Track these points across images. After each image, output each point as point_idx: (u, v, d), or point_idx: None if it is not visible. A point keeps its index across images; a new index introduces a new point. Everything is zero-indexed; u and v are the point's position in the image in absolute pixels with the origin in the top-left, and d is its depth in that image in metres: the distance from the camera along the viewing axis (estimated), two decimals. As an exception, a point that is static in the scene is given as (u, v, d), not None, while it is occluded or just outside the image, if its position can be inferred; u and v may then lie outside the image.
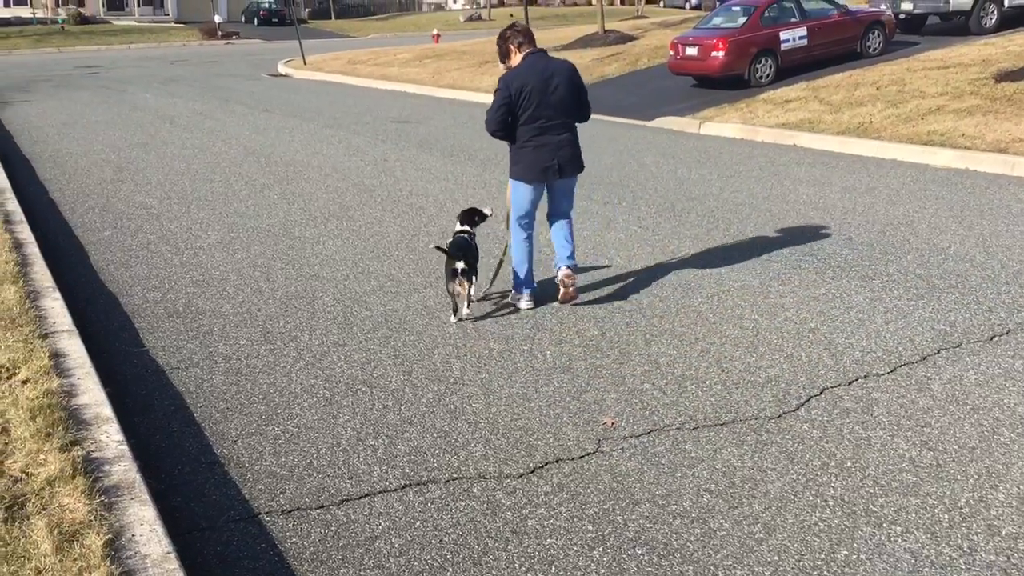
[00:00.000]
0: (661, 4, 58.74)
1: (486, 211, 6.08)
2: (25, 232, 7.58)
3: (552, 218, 6.04)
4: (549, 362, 5.07)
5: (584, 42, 24.53)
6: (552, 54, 6.15)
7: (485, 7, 60.34)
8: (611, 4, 51.79)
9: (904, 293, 6.04)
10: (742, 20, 16.37)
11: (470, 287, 5.65)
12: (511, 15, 54.73)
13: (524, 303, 5.97)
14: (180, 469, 3.97)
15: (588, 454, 4.02)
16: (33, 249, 7.04)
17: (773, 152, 11.79)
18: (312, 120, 16.06)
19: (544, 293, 6.14)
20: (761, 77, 16.11)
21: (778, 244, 7.30)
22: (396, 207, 9.01)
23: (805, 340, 5.27)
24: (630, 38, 24.34)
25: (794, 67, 16.28)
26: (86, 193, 9.95)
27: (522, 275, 5.96)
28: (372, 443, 4.17)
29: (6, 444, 3.71)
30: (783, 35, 16.14)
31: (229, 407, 4.58)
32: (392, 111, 17.36)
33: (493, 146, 12.62)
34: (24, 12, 52.12)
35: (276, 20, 53.68)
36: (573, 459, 3.98)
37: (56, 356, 4.72)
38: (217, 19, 50.07)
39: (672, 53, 17.17)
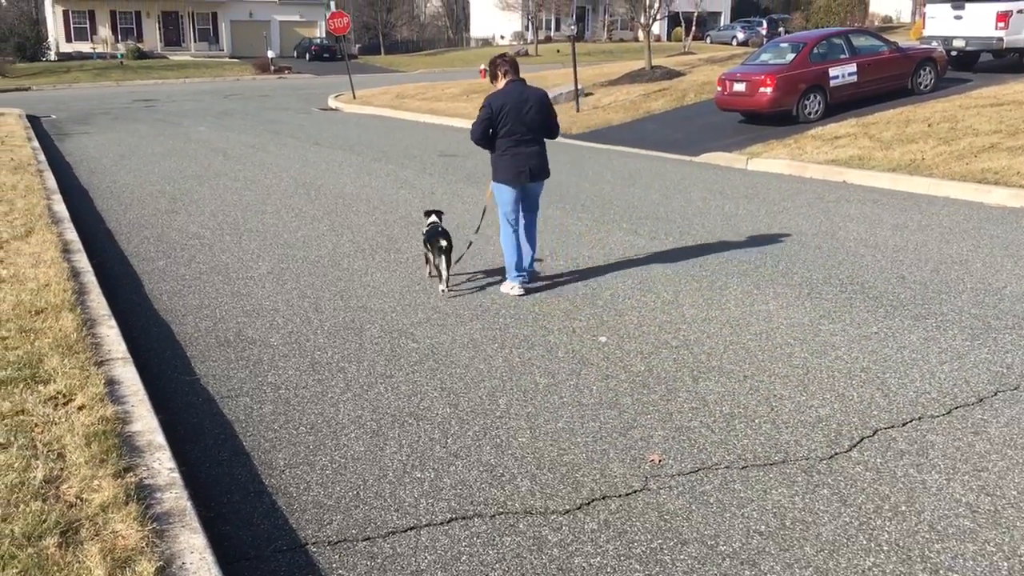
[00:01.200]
0: (708, 40, 58.90)
1: (440, 211, 7.64)
2: (83, 261, 7.76)
3: (524, 218, 7.25)
4: (595, 397, 5.05)
5: (631, 77, 24.64)
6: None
7: (532, 43, 60.92)
8: (658, 40, 52.00)
9: (959, 333, 5.92)
10: (791, 56, 16.33)
11: (448, 262, 7.05)
12: (558, 50, 55.20)
13: (516, 291, 7.09)
14: (229, 497, 4.00)
15: (635, 491, 3.99)
16: (90, 278, 7.20)
17: (822, 188, 11.69)
18: (361, 153, 16.29)
19: (579, 322, 6.13)
20: (810, 113, 16.03)
21: (828, 281, 7.22)
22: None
23: (857, 380, 5.19)
24: (677, 74, 24.40)
25: (843, 103, 16.18)
26: (141, 223, 10.18)
27: (512, 264, 7.11)
28: (418, 475, 4.18)
29: (62, 469, 3.78)
30: (832, 71, 16.06)
31: (277, 436, 4.62)
32: (439, 145, 17.55)
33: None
34: (85, 47, 53.75)
35: (327, 55, 54.70)
36: (620, 496, 3.95)
37: (111, 383, 4.81)
38: (270, 54, 51.21)
39: (719, 89, 17.16)
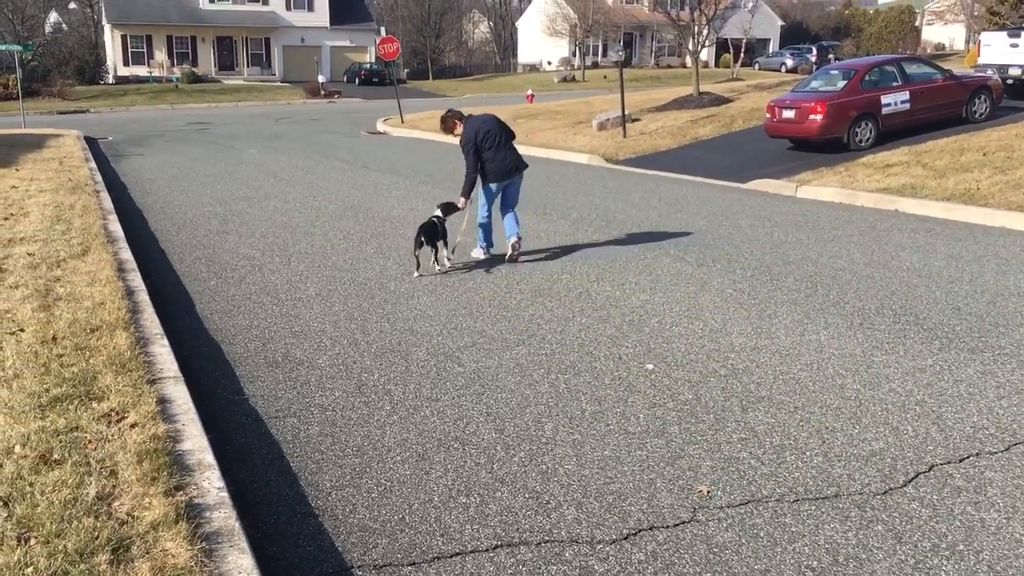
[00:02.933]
0: (756, 67, 58.66)
1: (459, 205, 8.92)
2: (137, 280, 7.91)
3: (503, 211, 9.18)
4: (642, 425, 5.00)
5: (678, 104, 24.59)
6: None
7: (579, 69, 61.18)
8: (705, 67, 51.87)
9: (1018, 367, 5.77)
10: (842, 84, 16.18)
11: (435, 250, 8.72)
12: (604, 76, 55.37)
13: (481, 254, 9.29)
14: (276, 518, 4.02)
15: (683, 523, 3.93)
16: (143, 297, 7.34)
17: (873, 217, 11.53)
18: (408, 176, 16.43)
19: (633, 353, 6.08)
20: (861, 141, 15.84)
21: (880, 312, 7.09)
22: (488, 264, 9.09)
23: (911, 413, 5.07)
24: (725, 100, 24.30)
25: (895, 131, 15.97)
26: (193, 244, 10.35)
27: (482, 238, 9.31)
28: (464, 501, 4.16)
29: (114, 487, 3.83)
30: (884, 99, 15.87)
31: (324, 458, 4.64)
32: (486, 169, 17.62)
33: (587, 204, 12.69)
34: (142, 71, 55.11)
35: (376, 80, 55.41)
36: (668, 527, 3.89)
37: (163, 402, 4.88)
38: (321, 79, 52.04)
39: (768, 115, 17.05)
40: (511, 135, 9.13)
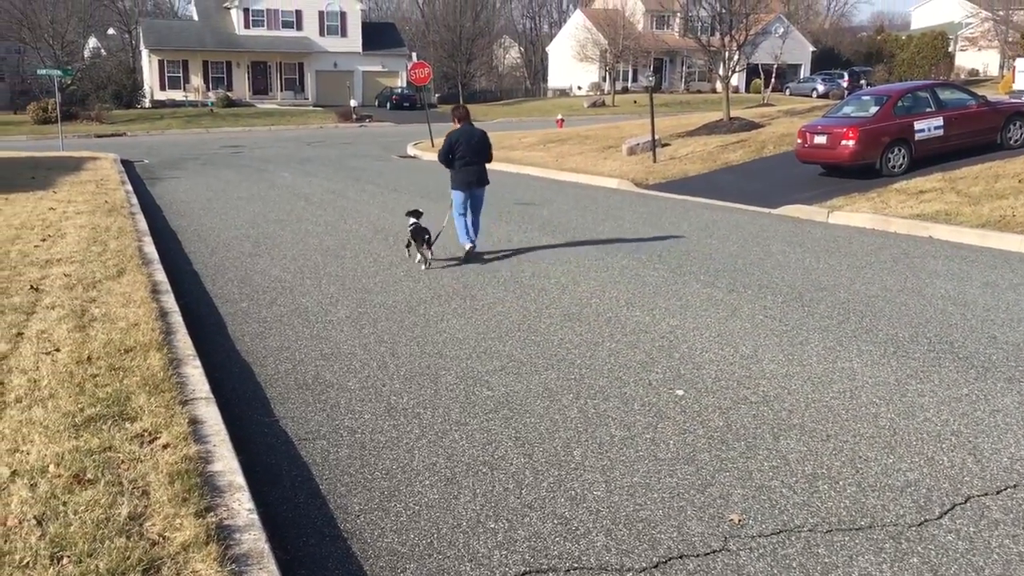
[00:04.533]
0: (787, 92, 58.51)
1: (420, 211, 10.72)
2: (170, 302, 8.00)
3: (472, 213, 10.78)
4: (672, 452, 4.96)
5: (708, 128, 24.57)
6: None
7: (609, 93, 61.38)
8: (736, 92, 51.83)
9: (1056, 397, 5.66)
10: (874, 109, 16.08)
11: (429, 246, 10.21)
12: (635, 101, 55.50)
13: (467, 245, 10.67)
14: (305, 541, 4.03)
15: (714, 551, 3.88)
16: (177, 318, 7.42)
17: (907, 244, 11.41)
18: (438, 200, 16.49)
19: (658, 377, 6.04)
20: (894, 167, 15.71)
21: (915, 340, 7.00)
22: (518, 287, 9.11)
23: (947, 443, 4.99)
24: (755, 125, 24.24)
25: (929, 157, 15.82)
26: (226, 266, 10.47)
27: (463, 235, 10.71)
28: (492, 526, 4.15)
29: (146, 507, 3.86)
30: (918, 125, 15.74)
31: (353, 481, 4.65)
32: (515, 193, 17.71)
33: (616, 229, 12.68)
34: (178, 95, 56.06)
35: (407, 104, 55.90)
36: (698, 556, 3.85)
37: (194, 422, 4.92)
38: (353, 103, 52.61)
39: (800, 141, 16.97)
40: (484, 156, 10.65)
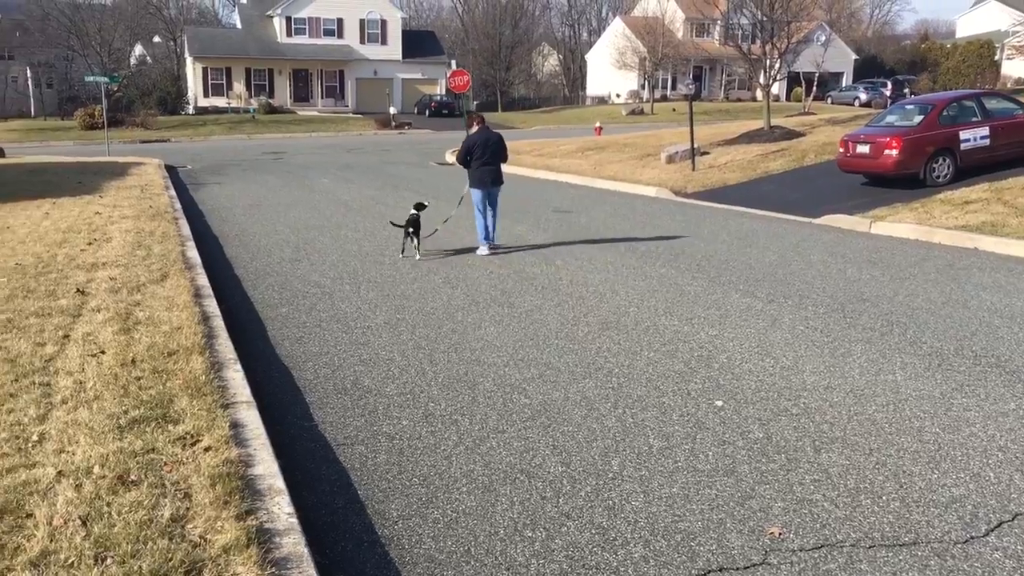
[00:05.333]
0: (829, 101, 57.87)
1: (426, 203, 11.79)
2: (212, 306, 8.10)
3: (490, 211, 11.58)
4: (711, 463, 4.91)
5: (748, 137, 24.38)
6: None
7: (647, 101, 61.18)
8: (776, 100, 51.34)
9: (1107, 414, 5.53)
10: (918, 118, 15.86)
11: (417, 241, 11.23)
12: (673, 109, 55.25)
13: (482, 250, 11.49)
14: (343, 546, 4.05)
15: (754, 565, 3.84)
16: (219, 322, 7.51)
17: (951, 255, 11.23)
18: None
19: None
20: (938, 177, 15.47)
21: (960, 353, 6.88)
22: (556, 295, 9.10)
23: (994, 459, 4.89)
24: (796, 134, 24.01)
25: (974, 168, 15.56)
26: (267, 271, 10.58)
27: (481, 235, 11.59)
28: (529, 535, 4.14)
29: (188, 509, 3.91)
30: (963, 134, 15.49)
31: (391, 487, 4.67)
32: (554, 200, 17.70)
33: (657, 238, 12.63)
34: (221, 102, 56.84)
35: (446, 112, 56.15)
36: (738, 569, 3.81)
37: (235, 426, 4.97)
38: (392, 110, 52.96)
39: (842, 150, 16.78)
40: (499, 158, 11.56)
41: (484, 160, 11.38)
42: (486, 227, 11.55)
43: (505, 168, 12.05)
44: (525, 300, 8.93)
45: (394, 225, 11.76)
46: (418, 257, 11.12)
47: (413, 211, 11.45)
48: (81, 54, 62.73)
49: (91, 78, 36.42)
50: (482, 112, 63.79)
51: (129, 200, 16.49)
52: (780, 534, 4.10)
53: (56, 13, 64.01)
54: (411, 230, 11.17)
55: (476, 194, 11.52)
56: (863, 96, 56.02)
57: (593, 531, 4.16)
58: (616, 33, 67.94)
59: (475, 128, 11.64)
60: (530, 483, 4.70)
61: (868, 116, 24.82)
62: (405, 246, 11.32)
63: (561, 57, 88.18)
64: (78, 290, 8.38)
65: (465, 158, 11.47)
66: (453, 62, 62.25)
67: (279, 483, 4.29)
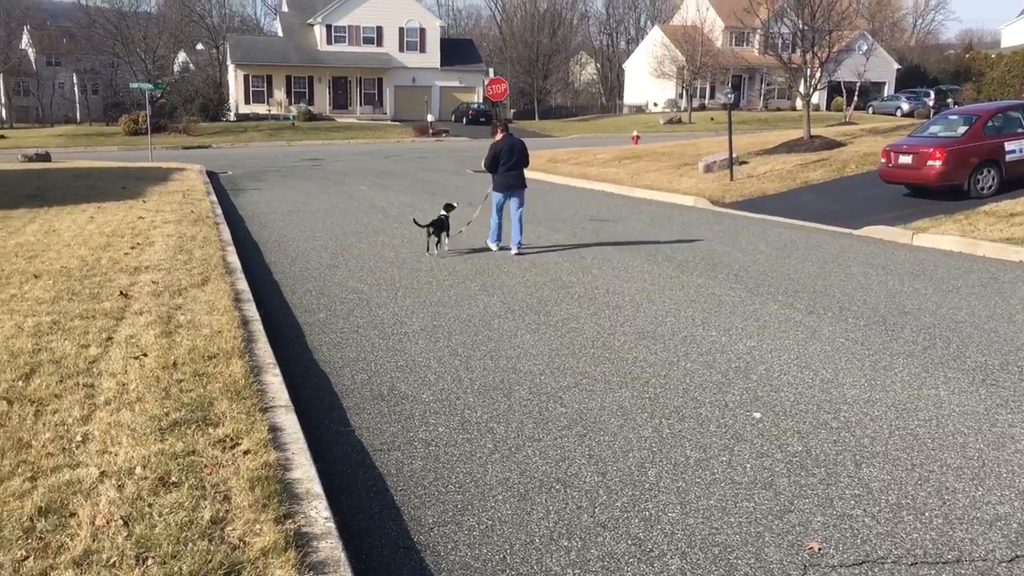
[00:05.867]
0: (870, 111, 57.22)
1: (454, 205, 12.66)
2: (251, 310, 8.19)
3: (513, 215, 12.18)
4: (749, 476, 4.87)
5: (788, 147, 24.16)
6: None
7: (685, 110, 60.91)
8: (816, 110, 50.85)
9: None
10: (962, 129, 15.63)
11: (438, 239, 12.15)
12: (711, 118, 54.94)
13: (494, 247, 12.38)
14: (379, 551, 4.06)
15: (793, 580, 3.79)
16: (258, 326, 7.59)
17: (996, 268, 11.03)
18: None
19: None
20: (982, 188, 15.23)
21: (1005, 368, 6.75)
22: (592, 304, 9.07)
23: (1040, 477, 4.79)
24: (837, 144, 23.76)
25: (1020, 179, 15.30)
26: (305, 276, 10.68)
27: (494, 234, 12.45)
28: (565, 544, 4.12)
29: (227, 511, 3.95)
30: (1008, 145, 15.24)
31: (427, 493, 4.68)
32: (590, 209, 17.68)
33: (692, 247, 12.56)
34: (261, 109, 57.57)
35: (483, 120, 56.31)
36: (776, 584, 3.76)
37: (274, 430, 5.02)
38: (429, 118, 53.27)
39: (883, 161, 16.58)
40: (523, 163, 12.30)
41: (509, 166, 12.10)
42: (499, 228, 12.40)
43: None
44: (561, 308, 8.91)
45: (417, 224, 12.45)
46: (445, 248, 12.19)
47: (442, 212, 12.32)
48: (126, 61, 63.84)
49: (136, 85, 37.12)
50: (519, 120, 63.94)
51: (171, 205, 16.74)
52: (820, 549, 4.04)
53: (103, 21, 65.23)
54: (435, 229, 12.04)
55: (497, 196, 12.31)
56: (905, 106, 55.32)
57: (629, 542, 4.14)
58: (654, 42, 67.76)
59: (499, 136, 12.29)
60: (566, 492, 4.68)
61: (910, 126, 24.51)
62: (429, 243, 12.12)
63: (598, 66, 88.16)
64: (121, 293, 8.52)
65: (492, 163, 12.20)
66: (491, 70, 62.50)
67: (316, 487, 4.32)
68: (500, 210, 12.31)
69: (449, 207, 12.46)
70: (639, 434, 5.51)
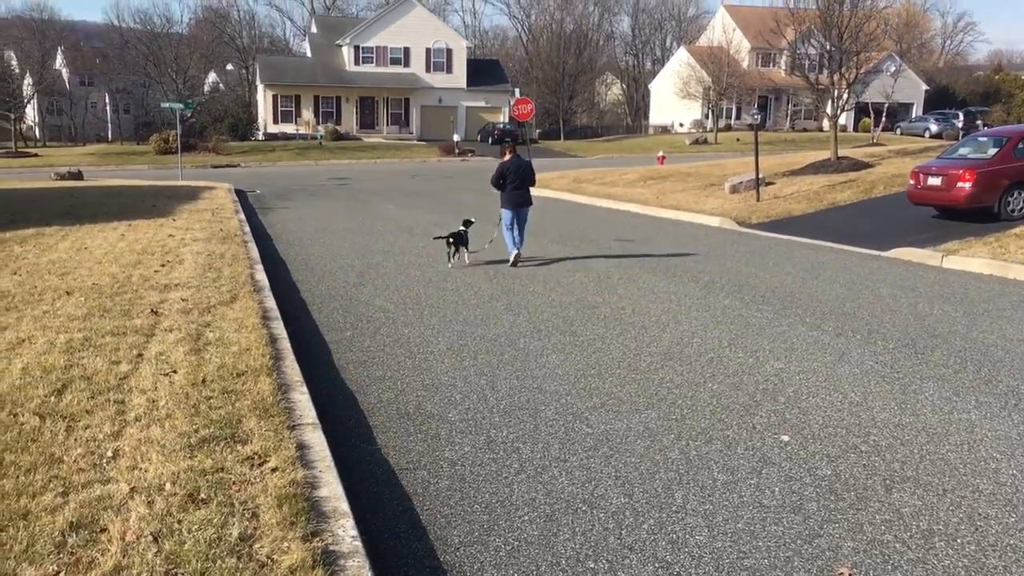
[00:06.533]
0: (898, 132, 56.91)
1: (472, 220, 13.47)
2: (279, 328, 8.25)
3: (517, 228, 13.09)
4: (778, 499, 4.82)
5: (815, 168, 24.06)
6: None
7: (711, 131, 60.84)
8: (843, 131, 50.64)
9: None
10: (992, 151, 15.51)
11: (457, 252, 12.91)
12: (737, 139, 54.85)
13: (514, 252, 12.89)
14: (406, 571, 4.06)
15: (822, 606, 3.75)
16: (285, 344, 7.64)
17: (1028, 291, 10.89)
18: (538, 235, 16.58)
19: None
20: (1013, 211, 15.09)
21: (1038, 392, 6.66)
22: (619, 325, 9.05)
23: (1075, 504, 4.71)
24: (864, 165, 23.64)
25: (1052, 201, 15.13)
26: (332, 295, 10.74)
27: (510, 246, 12.99)
28: (592, 566, 4.10)
29: (255, 528, 3.97)
30: (1040, 167, 15.08)
31: (453, 513, 4.68)
32: (615, 229, 17.67)
33: (718, 268, 12.52)
34: (289, 128, 58.18)
35: (508, 139, 56.55)
36: (806, 610, 3.72)
37: (301, 447, 5.04)
38: (455, 138, 53.59)
39: (912, 182, 16.47)
40: (528, 182, 13.08)
41: (515, 184, 12.91)
42: (514, 240, 13.13)
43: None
44: (587, 329, 8.90)
45: (438, 238, 13.28)
46: (464, 262, 13.00)
47: (461, 227, 13.13)
48: (157, 81, 64.79)
49: (167, 104, 37.60)
50: (544, 140, 64.23)
51: (200, 223, 16.93)
52: (849, 575, 4.00)
53: (135, 42, 66.29)
54: (454, 241, 12.80)
55: (506, 214, 13.08)
56: (934, 127, 54.95)
57: (656, 565, 4.11)
58: (680, 62, 67.85)
59: (507, 156, 13.09)
60: (592, 514, 4.66)
61: (939, 148, 24.34)
62: (450, 254, 12.90)
63: (624, 86, 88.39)
64: (151, 310, 8.61)
65: (499, 182, 13.00)
66: (517, 90, 62.81)
67: (344, 506, 4.33)
68: (511, 225, 13.09)
69: (468, 222, 13.24)
70: (666, 456, 5.48)
